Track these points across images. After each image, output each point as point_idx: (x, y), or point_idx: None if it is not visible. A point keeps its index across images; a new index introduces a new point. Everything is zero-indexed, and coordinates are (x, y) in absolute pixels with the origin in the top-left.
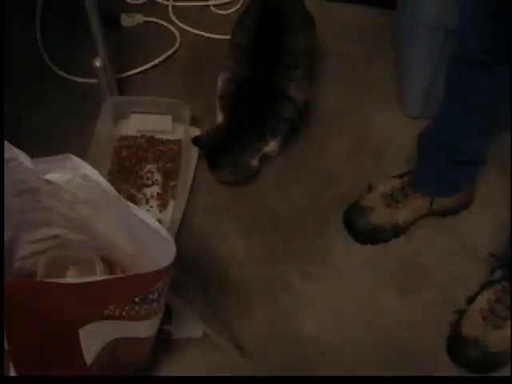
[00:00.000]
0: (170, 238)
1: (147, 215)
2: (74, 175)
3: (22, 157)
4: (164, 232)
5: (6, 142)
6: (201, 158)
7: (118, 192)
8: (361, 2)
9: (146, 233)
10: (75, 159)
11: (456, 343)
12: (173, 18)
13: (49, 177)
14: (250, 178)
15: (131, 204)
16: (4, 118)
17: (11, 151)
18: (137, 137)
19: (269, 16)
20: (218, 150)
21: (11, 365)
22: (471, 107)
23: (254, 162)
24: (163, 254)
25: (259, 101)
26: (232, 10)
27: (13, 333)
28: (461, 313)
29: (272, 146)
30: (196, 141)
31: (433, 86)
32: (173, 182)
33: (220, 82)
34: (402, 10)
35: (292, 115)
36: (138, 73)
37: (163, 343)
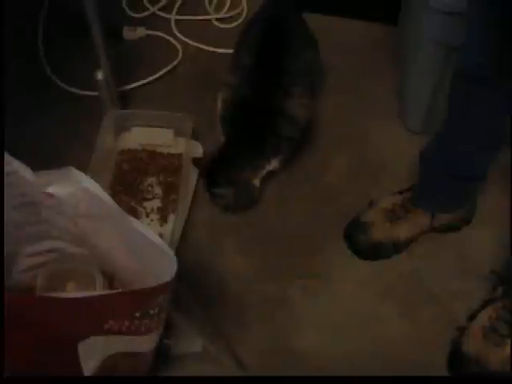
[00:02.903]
0: (171, 253)
1: (149, 229)
2: (75, 188)
3: (23, 170)
4: (166, 247)
5: (6, 155)
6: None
7: (119, 205)
8: (363, 17)
9: (147, 247)
10: (77, 172)
11: (457, 360)
12: (175, 31)
13: (50, 190)
14: (253, 201)
15: (132, 218)
16: (4, 128)
17: (12, 164)
18: (138, 150)
19: (271, 34)
20: (216, 170)
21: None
22: (474, 123)
23: (256, 182)
24: (164, 268)
25: (259, 120)
26: (234, 25)
27: (11, 346)
28: (462, 330)
29: (274, 164)
30: (196, 163)
31: (435, 102)
32: (173, 196)
33: (220, 102)
34: (405, 25)
35: (292, 133)
36: (140, 86)
37: (163, 357)
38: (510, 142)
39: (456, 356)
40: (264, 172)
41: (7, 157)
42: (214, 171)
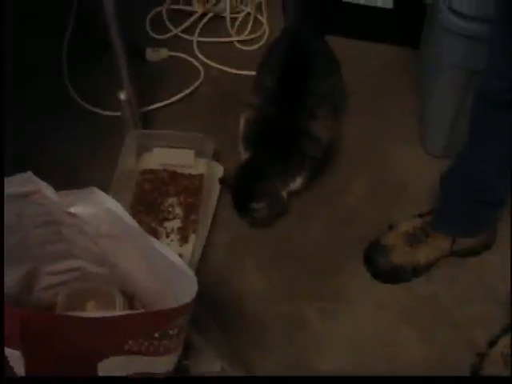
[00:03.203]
0: (192, 273)
1: (169, 250)
2: (97, 209)
3: (47, 189)
4: (186, 268)
5: (31, 174)
6: (223, 194)
7: (140, 225)
8: (383, 40)
9: (167, 268)
10: (99, 193)
11: None
12: (197, 53)
13: (73, 210)
14: (284, 211)
15: (154, 239)
16: (4, 131)
17: (36, 183)
18: (159, 170)
19: (294, 57)
20: (250, 185)
21: None
22: (495, 147)
23: (284, 194)
24: (184, 289)
25: (283, 139)
26: (256, 47)
27: (30, 363)
28: (482, 356)
29: (298, 182)
30: (223, 181)
31: (456, 126)
32: (194, 217)
33: (242, 122)
34: (426, 48)
35: (316, 153)
36: (162, 107)
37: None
38: None
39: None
40: (289, 189)
41: (31, 176)
42: (247, 186)
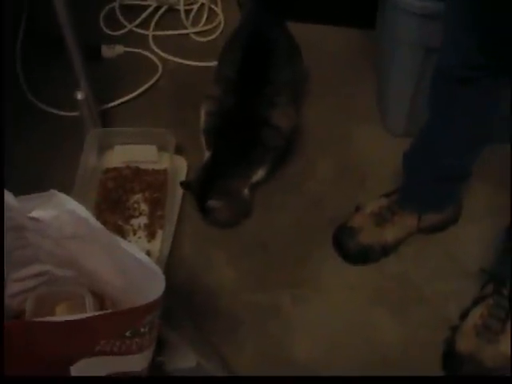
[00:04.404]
0: (159, 271)
1: (135, 248)
2: (59, 211)
3: (6, 195)
4: (153, 265)
5: None
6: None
7: (105, 224)
8: (343, 23)
9: (135, 266)
10: (60, 195)
11: (451, 360)
12: (153, 47)
13: (34, 214)
14: (246, 211)
15: (119, 238)
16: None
17: None
18: (122, 168)
19: (254, 45)
20: (207, 184)
21: None
22: (455, 123)
23: (246, 192)
24: (153, 286)
25: (244, 131)
26: (212, 37)
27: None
28: (454, 329)
29: (260, 174)
30: (185, 186)
31: (415, 105)
32: (160, 212)
33: (203, 115)
34: (381, 29)
35: (277, 143)
36: (121, 104)
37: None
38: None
39: (450, 356)
40: (251, 182)
41: None
42: (204, 185)
